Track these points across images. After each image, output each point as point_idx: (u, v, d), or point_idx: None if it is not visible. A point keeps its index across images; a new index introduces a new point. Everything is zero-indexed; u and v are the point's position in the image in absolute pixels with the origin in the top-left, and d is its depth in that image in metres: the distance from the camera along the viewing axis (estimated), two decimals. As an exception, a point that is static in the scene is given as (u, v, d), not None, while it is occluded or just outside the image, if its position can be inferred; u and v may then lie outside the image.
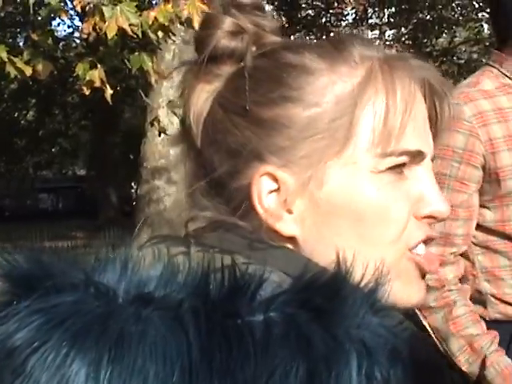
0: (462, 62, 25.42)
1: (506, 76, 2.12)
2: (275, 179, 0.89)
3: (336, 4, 23.49)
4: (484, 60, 24.77)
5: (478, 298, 2.14)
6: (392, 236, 0.88)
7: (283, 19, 23.80)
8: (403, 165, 0.90)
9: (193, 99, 0.95)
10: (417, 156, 0.91)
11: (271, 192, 0.89)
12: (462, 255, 2.16)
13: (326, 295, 0.71)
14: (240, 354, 0.66)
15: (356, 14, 24.01)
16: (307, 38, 23.86)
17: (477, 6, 23.49)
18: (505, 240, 2.10)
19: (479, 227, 2.13)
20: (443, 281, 2.10)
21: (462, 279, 2.17)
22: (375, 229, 0.88)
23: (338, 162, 0.88)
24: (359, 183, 0.87)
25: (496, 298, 2.11)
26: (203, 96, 0.94)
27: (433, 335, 2.10)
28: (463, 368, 2.04)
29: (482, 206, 2.11)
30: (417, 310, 2.11)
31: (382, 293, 0.75)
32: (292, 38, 23.69)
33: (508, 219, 2.08)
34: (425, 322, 2.13)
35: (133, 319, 0.67)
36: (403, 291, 0.89)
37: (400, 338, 0.73)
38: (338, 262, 0.75)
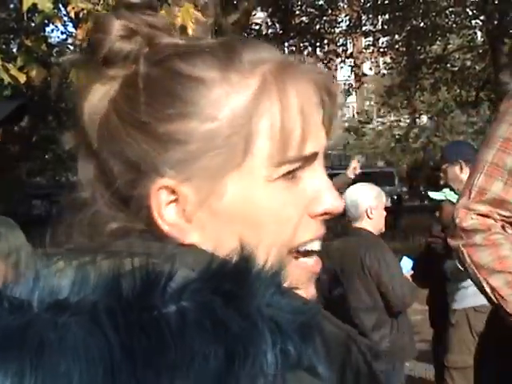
0: (456, 69, 25.47)
1: None
2: (174, 192, 0.90)
3: (330, 11, 23.51)
4: (477, 67, 24.90)
5: None
6: (286, 237, 0.91)
7: (277, 26, 23.83)
8: (297, 168, 0.92)
9: (88, 98, 0.94)
10: (311, 158, 0.93)
11: (170, 203, 0.90)
12: None
13: (234, 280, 0.75)
14: (159, 344, 0.68)
15: (350, 21, 24.04)
16: (301, 44, 23.89)
17: (470, 13, 23.55)
18: None
19: None
20: (489, 225, 2.11)
21: None
22: (270, 233, 0.90)
23: (237, 173, 0.89)
24: (255, 193, 0.90)
25: None
26: (97, 96, 0.94)
27: (474, 273, 2.12)
28: (509, 303, 2.05)
29: None
30: (460, 248, 2.13)
31: (284, 276, 0.78)
32: (286, 44, 23.74)
33: None
34: (464, 260, 2.13)
35: (50, 326, 0.68)
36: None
37: (308, 316, 0.76)
38: (240, 250, 0.78)
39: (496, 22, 21.82)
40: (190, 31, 6.14)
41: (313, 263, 0.97)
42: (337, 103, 0.99)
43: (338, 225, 5.67)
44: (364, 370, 0.90)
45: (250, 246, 0.79)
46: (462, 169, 4.58)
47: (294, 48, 24.22)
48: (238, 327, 0.71)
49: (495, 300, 2.09)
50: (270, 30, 24.12)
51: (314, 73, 0.97)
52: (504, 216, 2.10)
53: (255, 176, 0.90)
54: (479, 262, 2.09)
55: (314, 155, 0.94)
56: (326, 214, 0.95)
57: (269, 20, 24.11)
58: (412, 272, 4.83)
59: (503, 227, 2.14)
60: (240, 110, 0.90)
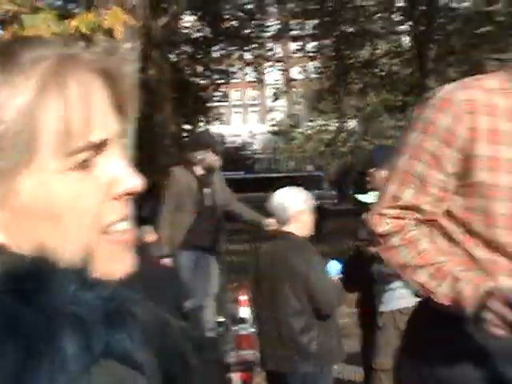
0: (384, 73, 25.77)
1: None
2: None
3: (259, 15, 23.56)
4: (405, 72, 25.20)
5: None
6: (88, 224, 0.94)
7: (206, 30, 23.78)
8: (90, 157, 0.94)
9: None
10: (102, 145, 0.95)
11: None
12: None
13: (34, 279, 0.77)
14: None
15: (279, 25, 24.14)
16: (230, 48, 23.89)
17: (398, 19, 23.87)
18: (464, 229, 2.14)
19: (445, 212, 2.17)
20: (402, 226, 2.16)
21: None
22: (73, 223, 0.92)
23: (29, 171, 0.92)
24: (49, 187, 0.92)
25: None
26: None
27: (402, 274, 2.18)
28: (437, 294, 2.09)
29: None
30: (382, 253, 2.20)
31: (90, 271, 0.82)
32: (215, 48, 23.72)
33: (471, 208, 2.13)
34: (388, 261, 2.19)
35: None
36: (107, 268, 0.93)
37: (117, 303, 0.80)
38: (41, 249, 0.82)
39: (423, 28, 22.16)
40: (117, 34, 6.08)
41: (124, 236, 0.98)
42: (124, 83, 1.02)
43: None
44: (182, 353, 0.94)
45: (52, 244, 0.84)
46: (383, 173, 4.62)
47: (222, 52, 24.24)
48: (34, 325, 0.73)
49: (426, 295, 2.14)
50: (199, 34, 24.07)
51: (95, 60, 0.99)
52: (413, 225, 2.16)
53: (47, 170, 0.92)
54: (402, 262, 2.15)
55: (105, 142, 0.96)
56: (128, 194, 0.97)
57: (198, 24, 24.06)
58: (340, 275, 4.85)
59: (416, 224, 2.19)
60: (23, 109, 0.91)
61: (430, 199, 2.14)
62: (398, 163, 2.18)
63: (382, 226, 2.16)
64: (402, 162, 2.16)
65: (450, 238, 2.16)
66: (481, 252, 2.12)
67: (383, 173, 4.65)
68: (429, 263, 2.11)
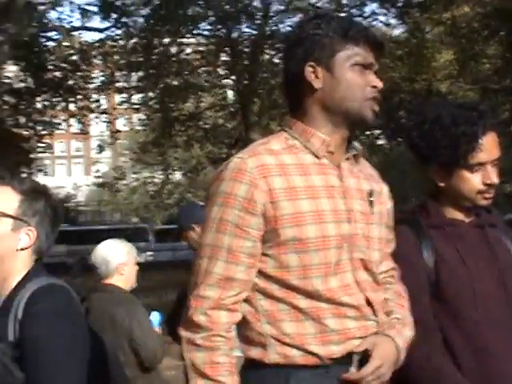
0: (208, 126, 26.11)
1: (294, 137, 2.30)
2: None
3: (84, 66, 23.39)
4: (229, 125, 25.65)
5: (259, 341, 2.22)
6: None
7: (30, 80, 23.35)
8: None
9: None
10: None
11: None
12: (245, 301, 2.25)
13: None
14: None
15: (104, 77, 24.04)
16: (54, 99, 23.54)
17: (222, 73, 24.35)
18: (283, 287, 2.21)
19: (260, 274, 2.23)
20: (215, 324, 2.17)
21: (242, 324, 2.25)
22: None
23: None
24: None
25: (276, 340, 2.19)
26: None
27: (188, 367, 2.19)
28: None
29: (263, 253, 2.21)
30: (182, 338, 2.21)
31: None
32: (39, 99, 23.31)
33: (286, 266, 2.19)
34: (184, 354, 2.20)
35: None
36: None
37: None
38: None
39: (246, 82, 22.68)
40: None
41: None
42: None
43: (91, 281, 5.61)
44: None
45: None
46: (196, 232, 4.63)
47: (46, 103, 23.84)
48: None
49: None
50: (22, 84, 23.59)
51: None
52: (234, 295, 2.20)
53: None
54: (194, 361, 2.18)
55: None
56: None
57: (21, 74, 23.60)
58: (161, 327, 4.84)
59: (248, 300, 2.24)
60: None
61: (242, 268, 2.19)
62: (204, 240, 2.21)
63: (198, 314, 2.17)
64: (209, 238, 2.20)
65: (271, 297, 2.21)
66: (304, 302, 2.19)
67: (192, 233, 4.70)
68: (215, 378, 2.15)
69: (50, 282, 2.41)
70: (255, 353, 2.23)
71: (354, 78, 2.25)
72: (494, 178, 2.70)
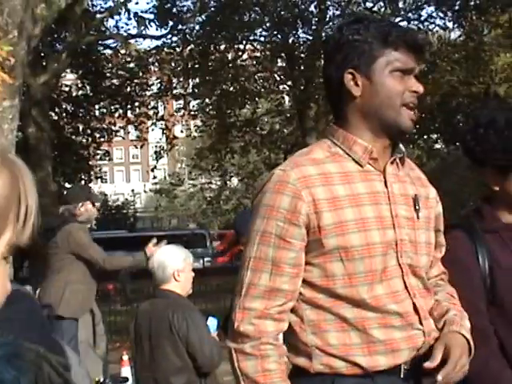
0: (265, 132, 26.14)
1: (336, 145, 2.30)
2: None
3: (141, 74, 23.62)
4: (285, 131, 25.66)
5: (304, 351, 2.22)
6: None
7: (87, 88, 23.67)
8: None
9: None
10: None
11: None
12: (291, 311, 2.25)
13: None
14: None
15: (161, 84, 24.24)
16: (112, 107, 23.80)
17: (278, 78, 24.35)
18: (329, 297, 2.21)
19: (306, 284, 2.23)
20: (263, 332, 2.18)
21: (288, 333, 2.26)
22: None
23: None
24: None
25: (321, 350, 2.20)
26: None
27: (238, 378, 2.19)
28: None
29: (308, 263, 2.22)
30: (232, 350, 2.21)
31: None
32: (97, 106, 23.59)
33: (331, 275, 2.19)
34: (234, 365, 2.20)
35: None
36: None
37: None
38: None
39: (302, 88, 22.66)
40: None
41: None
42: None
43: (149, 287, 5.66)
44: (57, 380, 0.99)
45: None
46: None
47: (104, 110, 24.12)
48: None
49: None
50: (80, 92, 23.92)
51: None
52: (279, 306, 2.20)
53: None
54: (245, 370, 2.18)
55: None
56: None
57: (79, 82, 23.93)
58: (216, 332, 4.87)
59: (294, 310, 2.24)
60: None
61: (286, 279, 2.19)
62: (247, 252, 2.23)
63: (244, 324, 2.18)
64: (252, 251, 2.21)
65: (317, 306, 2.22)
66: (349, 312, 2.19)
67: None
68: None
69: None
70: (301, 361, 2.23)
71: (392, 85, 2.24)
72: None
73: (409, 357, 2.21)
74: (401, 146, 2.36)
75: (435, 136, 25.12)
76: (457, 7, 20.79)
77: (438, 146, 26.30)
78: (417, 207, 2.31)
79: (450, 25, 22.02)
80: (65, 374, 0.98)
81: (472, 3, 20.53)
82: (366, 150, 2.26)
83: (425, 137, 24.62)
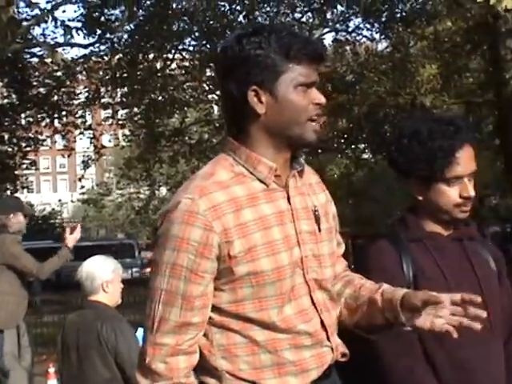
0: (193, 142, 26.10)
1: (239, 163, 2.21)
2: None
3: (68, 82, 23.38)
4: (215, 140, 25.67)
5: (214, 375, 2.18)
6: None
7: (13, 96, 23.33)
8: None
9: None
10: None
11: None
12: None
13: None
14: None
15: (88, 93, 24.03)
16: (38, 116, 23.51)
17: (207, 88, 24.37)
18: (239, 320, 2.17)
19: (215, 308, 2.18)
20: (174, 370, 2.13)
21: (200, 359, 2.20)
22: None
23: None
24: None
25: (231, 375, 2.16)
26: None
27: None
28: None
29: (217, 288, 2.17)
30: None
31: None
32: (23, 115, 23.27)
33: (241, 300, 2.15)
34: None
35: None
36: None
37: None
38: None
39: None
40: None
41: None
42: None
43: (77, 298, 5.59)
44: None
45: None
46: None
47: (30, 119, 23.80)
48: None
49: None
50: (5, 101, 23.55)
51: None
52: (191, 339, 2.15)
53: None
54: None
55: None
56: None
57: (5, 90, 23.57)
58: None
59: (204, 334, 2.19)
60: None
61: (196, 311, 2.14)
62: (157, 284, 2.15)
63: (156, 361, 2.12)
64: (162, 282, 2.13)
65: (228, 329, 2.18)
66: (260, 334, 2.16)
67: None
68: None
69: None
70: (211, 381, 2.20)
71: (298, 101, 2.16)
72: (471, 191, 2.74)
73: (317, 375, 2.22)
74: (300, 159, 2.32)
75: (363, 146, 25.42)
76: (383, 19, 21.11)
77: (365, 155, 26.61)
78: (318, 219, 2.29)
79: (377, 36, 22.41)
80: (2, 380, 0.98)
81: (398, 15, 20.89)
82: (271, 169, 2.20)
83: (353, 147, 24.91)
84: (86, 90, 24.20)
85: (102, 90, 23.72)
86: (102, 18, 21.26)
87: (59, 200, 55.67)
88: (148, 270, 30.29)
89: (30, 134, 24.48)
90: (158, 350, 2.13)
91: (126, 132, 26.93)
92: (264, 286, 2.14)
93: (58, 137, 25.83)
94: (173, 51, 23.04)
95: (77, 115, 24.60)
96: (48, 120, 23.91)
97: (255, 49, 2.15)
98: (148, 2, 21.23)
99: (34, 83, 23.35)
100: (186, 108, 24.90)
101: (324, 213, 2.35)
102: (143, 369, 2.16)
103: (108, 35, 21.46)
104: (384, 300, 2.29)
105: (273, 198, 2.20)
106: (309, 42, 2.21)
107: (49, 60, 22.34)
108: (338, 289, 2.42)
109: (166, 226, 2.13)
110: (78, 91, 24.47)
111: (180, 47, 23.22)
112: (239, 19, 22.05)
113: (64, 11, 32.30)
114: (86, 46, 22.03)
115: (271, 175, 2.20)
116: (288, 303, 2.18)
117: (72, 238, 6.88)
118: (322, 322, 2.25)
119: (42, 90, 23.49)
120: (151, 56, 22.54)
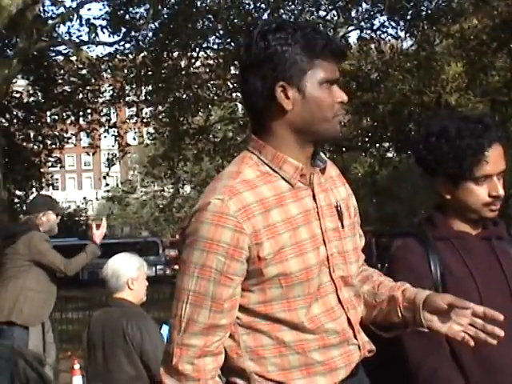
0: (218, 140, 26.12)
1: (265, 163, 2.21)
2: None
3: (93, 80, 23.47)
4: (239, 138, 25.68)
5: (243, 376, 2.19)
6: None
7: (39, 94, 23.45)
8: None
9: None
10: None
11: None
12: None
13: None
14: None
15: (113, 91, 24.10)
16: (64, 114, 23.61)
17: (231, 86, 24.37)
18: (267, 320, 2.17)
19: (243, 309, 2.19)
20: (202, 372, 2.13)
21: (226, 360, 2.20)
22: None
23: None
24: None
25: (259, 376, 2.17)
26: None
27: None
28: None
29: (246, 289, 2.17)
30: None
31: None
32: (48, 113, 23.39)
33: (270, 300, 2.16)
34: None
35: None
36: None
37: None
38: None
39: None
40: None
41: None
42: None
43: (102, 295, 5.61)
44: (32, 374, 1.08)
45: None
46: None
47: (55, 117, 23.92)
48: None
49: None
50: (31, 99, 23.68)
51: None
52: (218, 340, 2.15)
53: None
54: None
55: None
56: None
57: (30, 88, 23.70)
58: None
59: (230, 334, 2.19)
60: None
61: (225, 314, 2.13)
62: (185, 284, 2.14)
63: (182, 363, 2.11)
64: (191, 283, 2.12)
65: (255, 330, 2.18)
66: (288, 335, 2.16)
67: None
68: None
69: None
70: (240, 383, 2.20)
71: (323, 98, 2.18)
72: (500, 190, 2.71)
73: (345, 374, 2.22)
74: (321, 154, 2.33)
75: (387, 144, 25.33)
76: (409, 17, 21.01)
77: (390, 154, 26.52)
78: (341, 216, 2.29)
79: (402, 34, 22.29)
80: (39, 369, 1.00)
81: (424, 13, 20.78)
82: (297, 169, 2.20)
83: (377, 145, 24.82)
84: (111, 87, 24.28)
85: (127, 88, 23.79)
86: (127, 16, 21.36)
87: (84, 198, 55.92)
88: (175, 266, 30.39)
89: (56, 132, 24.57)
90: (186, 350, 2.12)
91: (151, 130, 27.00)
92: (293, 286, 2.14)
93: (82, 134, 25.91)
94: (197, 49, 23.06)
95: (101, 113, 24.67)
96: (73, 118, 23.99)
97: (282, 45, 2.16)
98: (173, 0, 21.27)
99: (60, 81, 23.44)
100: (210, 106, 24.92)
101: (346, 207, 2.35)
102: (170, 369, 2.15)
103: (133, 33, 21.54)
104: (405, 299, 2.30)
105: (299, 197, 2.21)
106: (331, 39, 2.22)
107: (74, 58, 22.45)
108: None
109: (196, 226, 2.12)
110: (102, 89, 24.54)
111: (204, 45, 23.23)
112: (264, 17, 22.04)
113: (89, 9, 32.69)
114: (110, 44, 22.11)
115: (297, 175, 2.21)
116: (315, 302, 2.18)
117: (99, 234, 6.90)
118: (348, 320, 2.26)
119: (67, 88, 23.58)
120: (176, 54, 22.58)
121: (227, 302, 2.13)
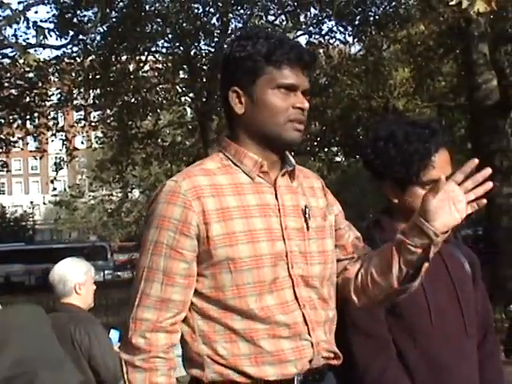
0: (167, 144, 26.06)
1: (228, 158, 2.33)
2: None
3: (40, 84, 23.24)
4: (188, 142, 25.66)
5: (197, 361, 2.25)
6: None
7: (-16, 98, 23.15)
8: None
9: None
10: None
11: None
12: (183, 321, 2.27)
13: None
14: None
15: (61, 95, 23.91)
16: (10, 117, 23.35)
17: (180, 90, 24.35)
18: (219, 307, 2.23)
19: (198, 294, 2.26)
20: (153, 346, 2.21)
21: (182, 344, 2.29)
22: None
23: None
24: None
25: (211, 360, 2.22)
26: None
27: None
28: None
29: (199, 274, 2.24)
30: (123, 362, 2.23)
31: None
32: (-6, 116, 23.08)
33: (221, 286, 2.22)
34: (124, 376, 2.23)
35: None
36: None
37: None
38: None
39: (204, 100, 22.71)
40: None
41: None
42: None
43: (49, 300, 5.55)
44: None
45: None
46: None
47: (2, 121, 23.62)
48: None
49: None
50: (-23, 102, 23.36)
51: None
52: (171, 317, 2.23)
53: None
54: (133, 382, 2.21)
55: None
56: None
57: (-24, 91, 23.39)
58: (119, 344, 4.82)
59: (186, 320, 2.26)
60: None
61: (177, 289, 2.22)
62: (141, 262, 2.25)
63: (137, 336, 2.20)
64: (145, 260, 2.24)
65: (208, 317, 2.24)
66: (238, 323, 2.21)
67: None
68: None
69: None
70: (195, 371, 2.26)
71: (274, 103, 2.26)
72: None
73: (300, 368, 2.24)
74: (291, 158, 2.39)
75: (336, 149, 25.53)
76: (357, 22, 21.22)
77: (338, 158, 26.72)
78: (306, 218, 2.34)
79: (350, 39, 22.52)
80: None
81: (371, 19, 21.01)
82: (257, 163, 2.29)
83: (325, 149, 24.99)
84: (59, 91, 24.08)
85: (75, 91, 23.66)
86: (75, 20, 21.21)
87: (31, 202, 55.34)
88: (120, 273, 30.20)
89: (2, 136, 24.28)
90: (139, 324, 2.21)
91: (99, 134, 26.86)
92: (241, 272, 2.20)
93: (29, 138, 25.67)
94: (146, 53, 23.04)
95: (49, 117, 24.49)
96: (20, 121, 23.75)
97: (240, 51, 2.28)
98: (121, 4, 21.21)
99: (6, 84, 23.16)
100: (158, 110, 24.89)
101: (321, 214, 2.41)
102: (125, 344, 2.25)
103: (80, 36, 21.42)
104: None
105: (259, 191, 2.29)
106: (295, 48, 2.30)
107: (21, 61, 22.19)
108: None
109: (153, 206, 2.27)
110: (50, 93, 24.33)
111: (153, 49, 23.23)
112: (212, 21, 22.07)
113: (36, 12, 32.31)
114: (58, 48, 21.95)
115: (256, 169, 2.30)
116: (269, 294, 2.22)
117: None
118: (303, 317, 2.27)
119: (13, 91, 23.34)
120: (124, 58, 22.51)
121: (180, 277, 2.22)
